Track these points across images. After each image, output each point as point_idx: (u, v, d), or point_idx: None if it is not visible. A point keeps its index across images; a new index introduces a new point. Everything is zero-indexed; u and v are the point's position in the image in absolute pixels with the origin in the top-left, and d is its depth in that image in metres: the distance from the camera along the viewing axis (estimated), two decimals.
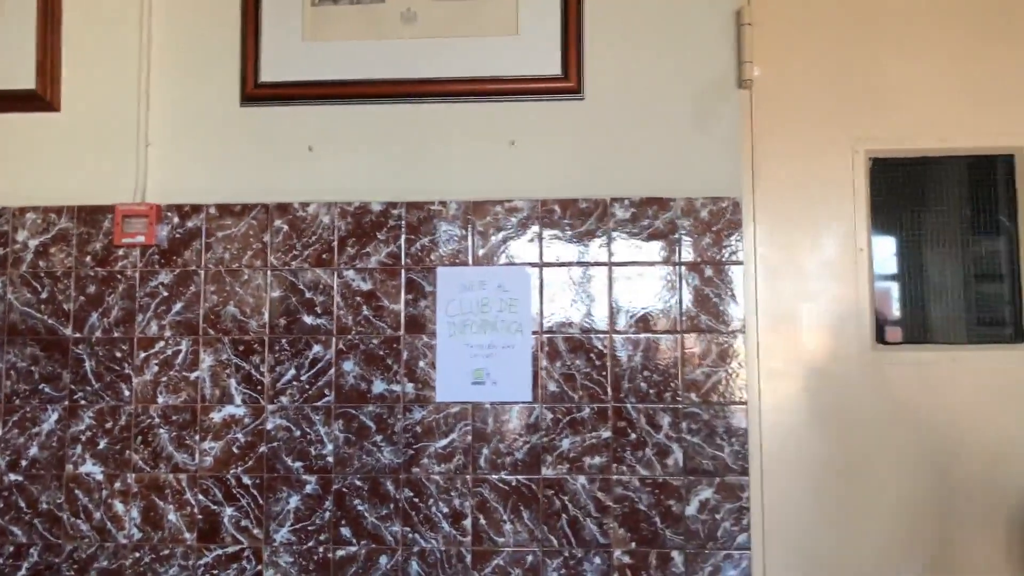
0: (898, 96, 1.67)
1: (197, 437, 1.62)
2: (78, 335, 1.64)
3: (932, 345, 1.65)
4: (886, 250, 1.68)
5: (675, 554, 1.55)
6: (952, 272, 1.67)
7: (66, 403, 1.63)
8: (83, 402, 1.63)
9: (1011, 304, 1.65)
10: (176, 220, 1.66)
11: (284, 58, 1.67)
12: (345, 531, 1.59)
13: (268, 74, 1.67)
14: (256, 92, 1.67)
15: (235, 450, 1.61)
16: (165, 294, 1.64)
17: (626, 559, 1.56)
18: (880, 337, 1.65)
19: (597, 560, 1.56)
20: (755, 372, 1.64)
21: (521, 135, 1.65)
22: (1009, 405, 1.61)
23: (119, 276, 1.65)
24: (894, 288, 1.67)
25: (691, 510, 1.56)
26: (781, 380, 1.64)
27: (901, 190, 1.68)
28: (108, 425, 1.63)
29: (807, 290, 1.65)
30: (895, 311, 1.67)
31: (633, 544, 1.56)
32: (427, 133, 1.66)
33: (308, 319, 1.63)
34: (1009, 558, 1.60)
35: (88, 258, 1.66)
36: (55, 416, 1.63)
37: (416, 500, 1.59)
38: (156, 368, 1.63)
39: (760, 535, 1.61)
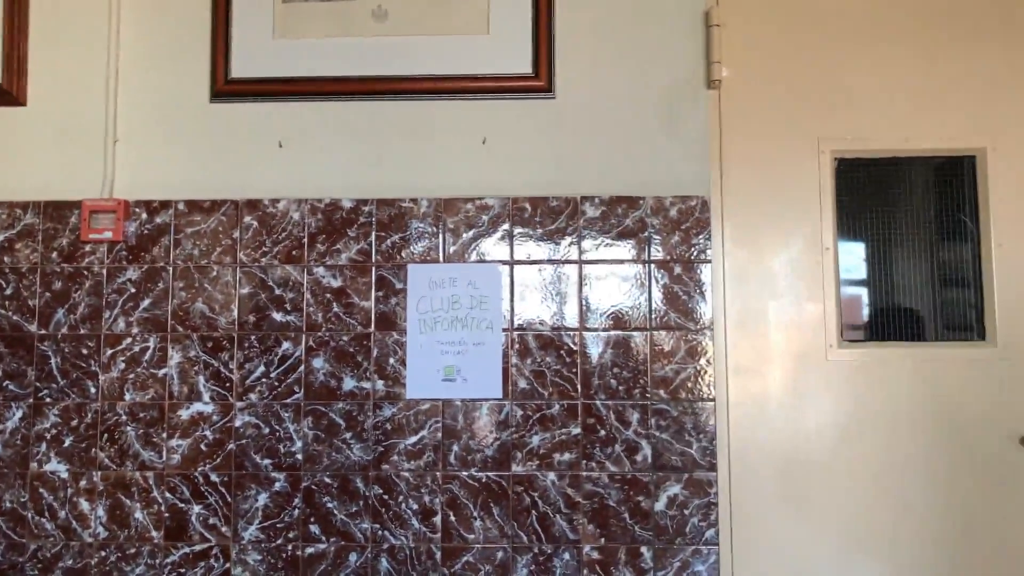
0: (864, 97, 1.70)
1: (164, 435, 1.61)
2: (43, 332, 1.62)
3: (896, 342, 1.67)
4: (852, 249, 1.70)
5: (644, 549, 1.56)
6: (917, 271, 1.70)
7: (31, 400, 1.61)
8: (48, 399, 1.61)
9: (974, 303, 1.68)
10: (144, 216, 1.64)
11: (254, 54, 1.67)
12: (314, 528, 1.58)
13: (238, 70, 1.67)
14: (226, 88, 1.67)
15: (203, 447, 1.60)
16: (133, 291, 1.63)
17: (595, 555, 1.57)
18: (845, 334, 1.68)
19: (567, 556, 1.57)
20: (723, 369, 1.66)
21: (492, 133, 1.66)
22: (973, 401, 1.64)
23: (86, 272, 1.64)
24: (859, 286, 1.70)
25: (660, 506, 1.57)
26: (749, 377, 1.66)
27: (866, 190, 1.70)
28: (74, 423, 1.61)
29: (774, 288, 1.67)
30: (860, 309, 1.69)
31: (602, 540, 1.57)
32: (398, 131, 1.66)
33: (278, 316, 1.62)
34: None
35: (54, 254, 1.64)
36: (19, 413, 1.61)
37: (386, 497, 1.58)
38: (123, 365, 1.62)
39: (728, 530, 1.63)
